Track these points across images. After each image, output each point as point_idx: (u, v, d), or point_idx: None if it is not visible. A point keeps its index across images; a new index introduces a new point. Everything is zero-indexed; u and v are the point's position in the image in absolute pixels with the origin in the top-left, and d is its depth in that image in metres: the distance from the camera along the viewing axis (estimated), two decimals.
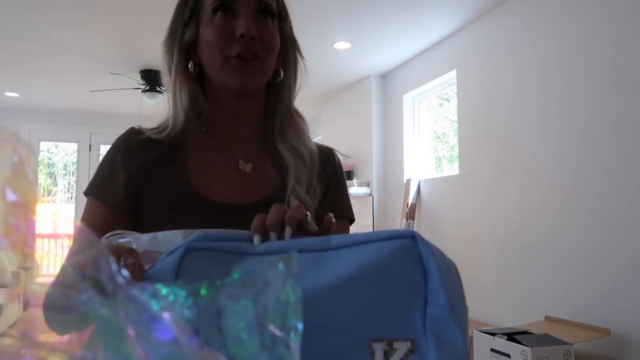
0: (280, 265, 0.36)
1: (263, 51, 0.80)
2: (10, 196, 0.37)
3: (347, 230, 0.93)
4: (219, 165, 0.84)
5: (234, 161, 0.85)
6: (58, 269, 0.59)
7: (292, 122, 0.90)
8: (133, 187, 0.80)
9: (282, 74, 0.87)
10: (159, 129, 0.85)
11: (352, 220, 0.94)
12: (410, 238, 0.50)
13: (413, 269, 0.48)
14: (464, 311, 0.50)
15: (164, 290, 0.35)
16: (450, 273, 0.51)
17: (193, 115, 0.84)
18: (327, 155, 0.93)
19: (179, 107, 0.83)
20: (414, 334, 0.46)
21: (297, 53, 0.90)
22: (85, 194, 0.82)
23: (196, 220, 0.76)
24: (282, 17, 0.86)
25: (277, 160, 0.87)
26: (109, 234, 0.62)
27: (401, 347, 0.46)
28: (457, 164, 3.76)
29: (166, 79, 0.86)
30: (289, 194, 0.82)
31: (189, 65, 0.84)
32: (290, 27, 0.90)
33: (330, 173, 0.91)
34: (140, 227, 0.77)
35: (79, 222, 0.73)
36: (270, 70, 0.84)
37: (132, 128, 0.86)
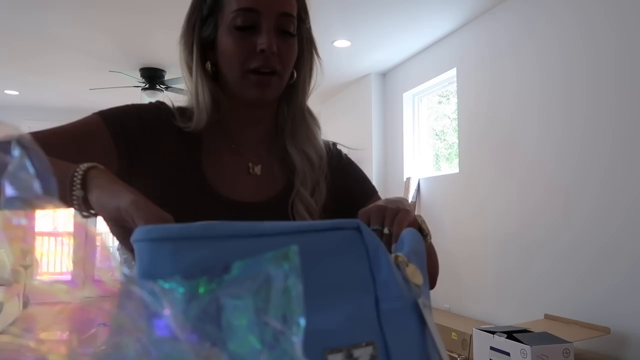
0: None
1: (280, 65, 0.80)
2: (10, 192, 0.37)
3: None
4: (230, 167, 0.85)
5: (244, 164, 0.86)
6: (59, 266, 0.56)
7: (303, 123, 0.90)
8: (137, 146, 0.79)
9: (295, 75, 0.87)
10: (184, 122, 0.84)
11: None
12: (354, 229, 0.45)
13: (359, 264, 0.44)
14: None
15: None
16: (418, 245, 0.50)
17: (213, 113, 0.84)
18: (332, 152, 0.94)
19: (202, 106, 0.82)
20: (372, 335, 0.41)
21: (313, 52, 0.90)
22: (95, 113, 0.80)
23: (208, 216, 0.76)
24: (300, 19, 0.85)
25: (285, 161, 0.88)
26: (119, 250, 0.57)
27: (363, 355, 0.40)
28: (455, 162, 3.76)
29: (186, 76, 0.85)
30: (293, 196, 0.84)
31: (207, 65, 0.84)
32: (309, 28, 0.89)
33: (338, 169, 0.93)
34: None
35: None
36: (286, 82, 0.85)
37: (165, 105, 0.86)
